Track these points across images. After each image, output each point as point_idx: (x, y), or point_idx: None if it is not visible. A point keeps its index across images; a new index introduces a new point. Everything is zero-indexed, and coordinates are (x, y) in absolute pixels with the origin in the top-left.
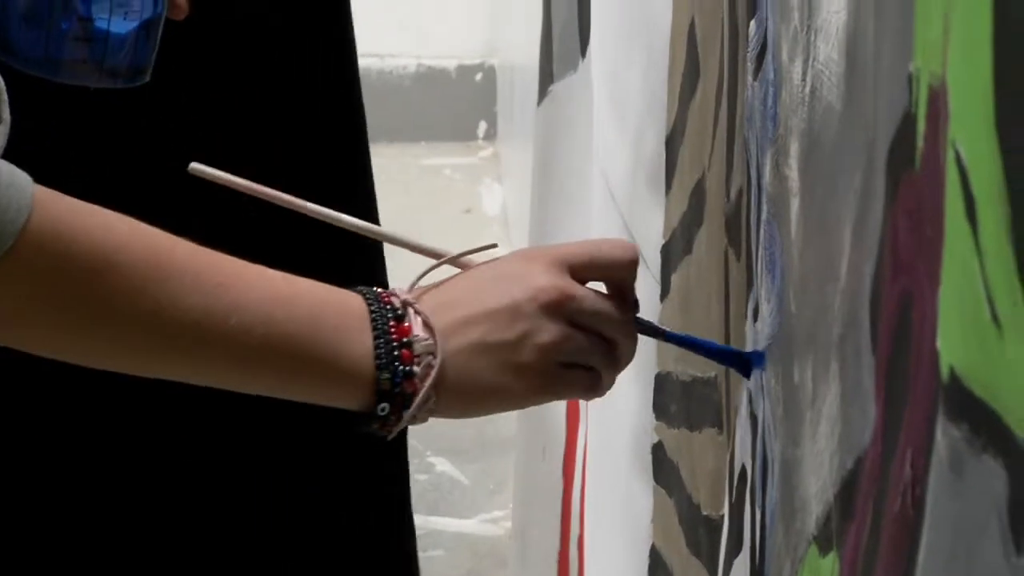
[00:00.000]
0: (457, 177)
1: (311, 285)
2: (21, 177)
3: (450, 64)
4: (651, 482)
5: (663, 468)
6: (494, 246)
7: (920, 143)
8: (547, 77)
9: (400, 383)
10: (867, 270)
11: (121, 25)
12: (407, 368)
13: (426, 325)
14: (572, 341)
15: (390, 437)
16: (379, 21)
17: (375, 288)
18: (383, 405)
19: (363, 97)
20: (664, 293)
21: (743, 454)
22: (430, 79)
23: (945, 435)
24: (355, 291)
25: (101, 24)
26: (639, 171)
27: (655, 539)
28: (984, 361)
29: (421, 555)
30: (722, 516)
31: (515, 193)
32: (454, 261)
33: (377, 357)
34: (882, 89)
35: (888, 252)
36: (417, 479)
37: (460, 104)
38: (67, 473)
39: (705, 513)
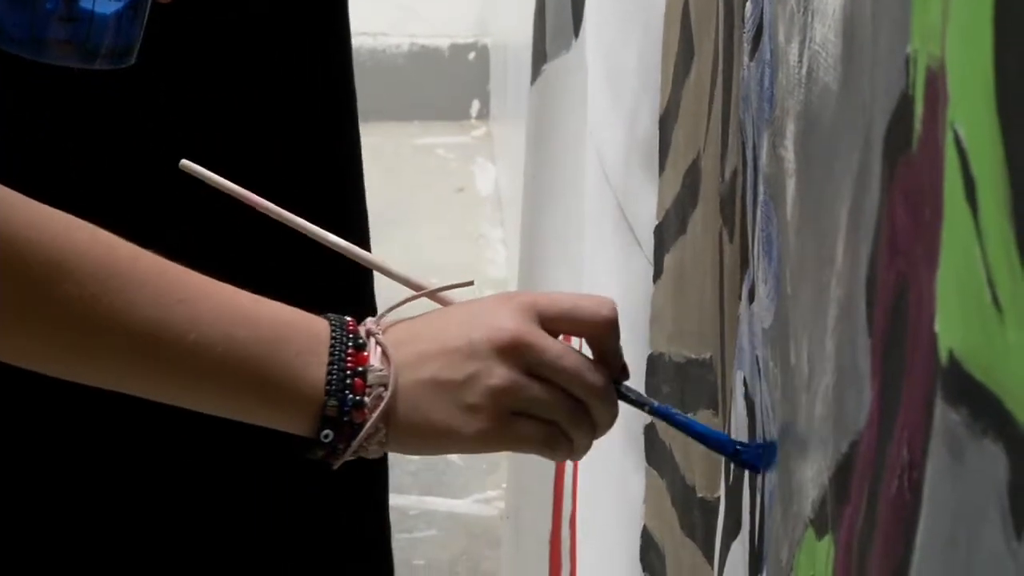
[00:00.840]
0: (450, 156)
1: (277, 307)
2: None
3: (443, 43)
4: (643, 463)
5: (655, 449)
6: (470, 283)
7: (918, 125)
8: (540, 56)
9: (348, 411)
10: (864, 252)
11: (106, 5)
12: (357, 397)
13: (384, 356)
14: (525, 390)
15: (335, 466)
16: (372, 0)
17: (345, 317)
18: (326, 432)
19: (356, 76)
20: (657, 274)
21: (740, 436)
22: (423, 58)
23: (944, 419)
24: (324, 317)
25: (86, 4)
26: (633, 151)
27: (647, 520)
28: (984, 344)
29: (414, 535)
30: (717, 498)
31: (508, 172)
32: (431, 295)
33: (328, 383)
34: (879, 71)
35: (885, 234)
36: (411, 459)
37: (453, 83)
38: (54, 473)
39: (700, 495)
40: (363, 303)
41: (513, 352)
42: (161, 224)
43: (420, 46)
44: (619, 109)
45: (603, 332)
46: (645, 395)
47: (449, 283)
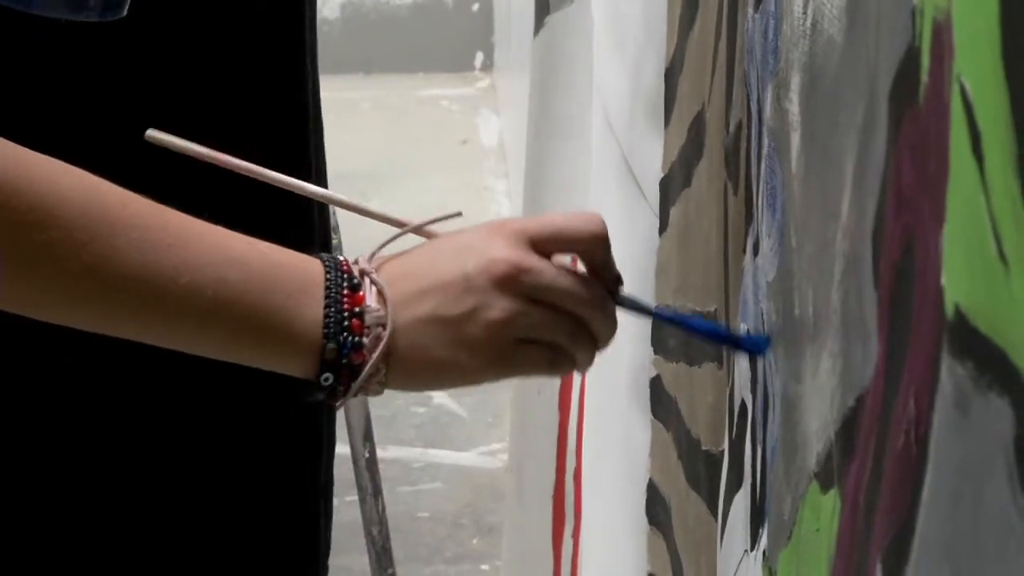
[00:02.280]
0: (454, 108)
1: (271, 249)
2: None
3: None
4: (649, 416)
5: (661, 402)
6: (459, 214)
7: (924, 77)
8: (543, 8)
9: (348, 354)
10: (870, 206)
11: None
12: (356, 339)
13: (380, 295)
14: (526, 317)
15: (338, 407)
16: None
17: (336, 255)
18: (327, 375)
19: (361, 29)
20: (663, 227)
21: (743, 389)
22: (427, 10)
23: (950, 373)
24: (317, 257)
25: None
26: (638, 104)
27: (652, 473)
28: (990, 298)
29: (418, 488)
30: (722, 451)
31: (512, 124)
32: (417, 230)
33: (326, 326)
34: (885, 23)
35: (891, 188)
36: (416, 412)
37: (457, 35)
38: (34, 468)
39: (705, 448)
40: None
41: (510, 281)
42: (149, 173)
43: None
44: (624, 61)
45: (594, 246)
46: (641, 300)
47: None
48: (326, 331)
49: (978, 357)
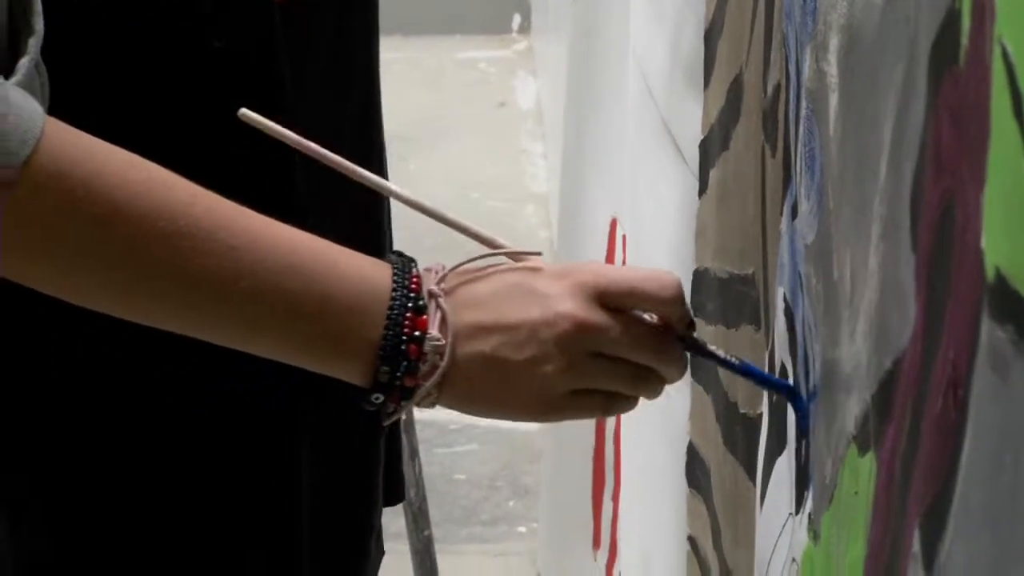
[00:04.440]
0: (491, 71)
1: (340, 256)
2: (32, 108)
3: None
4: (689, 378)
5: (699, 365)
6: (539, 254)
7: (964, 40)
8: None
9: (401, 377)
10: (908, 168)
11: None
12: (411, 364)
13: (443, 323)
14: (583, 373)
15: (386, 424)
16: None
17: (412, 266)
18: (377, 395)
19: None
20: (702, 189)
21: (782, 352)
22: None
23: (990, 336)
24: (388, 263)
25: None
26: (677, 66)
27: (692, 436)
28: None
29: (454, 450)
30: (760, 414)
31: (549, 87)
32: (499, 253)
33: (382, 348)
34: None
35: (930, 150)
36: None
37: None
38: (42, 467)
39: (743, 411)
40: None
41: (571, 340)
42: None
43: None
44: (663, 23)
45: (668, 308)
46: (711, 347)
47: (492, 204)
48: (382, 353)
49: (1019, 320)
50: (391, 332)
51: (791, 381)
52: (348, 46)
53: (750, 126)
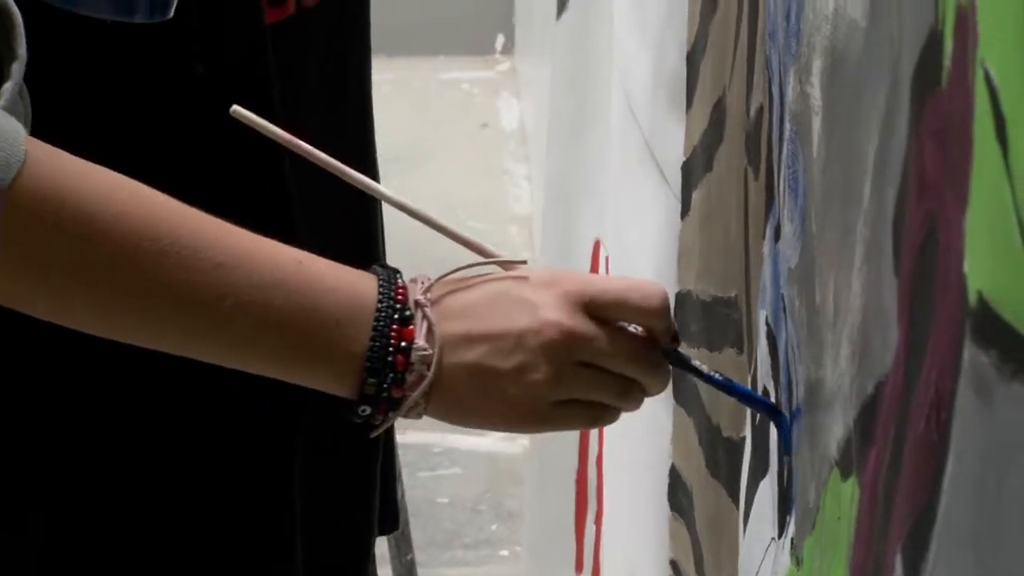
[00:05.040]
0: (475, 91)
1: (321, 270)
2: (15, 131)
3: None
4: (671, 401)
5: (683, 387)
6: (524, 263)
7: (947, 62)
8: None
9: (388, 388)
10: (891, 191)
11: None
12: (398, 375)
13: (430, 333)
14: (570, 382)
15: (373, 435)
16: None
17: (397, 277)
18: (364, 407)
19: (381, 10)
20: (684, 211)
21: (764, 375)
22: None
23: (973, 360)
24: (374, 274)
25: None
26: (660, 87)
27: (675, 459)
28: (1014, 285)
29: (437, 473)
30: (742, 438)
31: (533, 108)
32: (485, 263)
33: (368, 360)
34: (907, 7)
35: (913, 173)
36: None
37: (478, 17)
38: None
39: (726, 434)
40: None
41: (558, 348)
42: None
43: None
44: (645, 44)
45: (654, 319)
46: (695, 362)
47: (475, 226)
48: (368, 364)
49: (1002, 345)
50: (377, 343)
51: (772, 393)
52: (340, 66)
53: (733, 148)
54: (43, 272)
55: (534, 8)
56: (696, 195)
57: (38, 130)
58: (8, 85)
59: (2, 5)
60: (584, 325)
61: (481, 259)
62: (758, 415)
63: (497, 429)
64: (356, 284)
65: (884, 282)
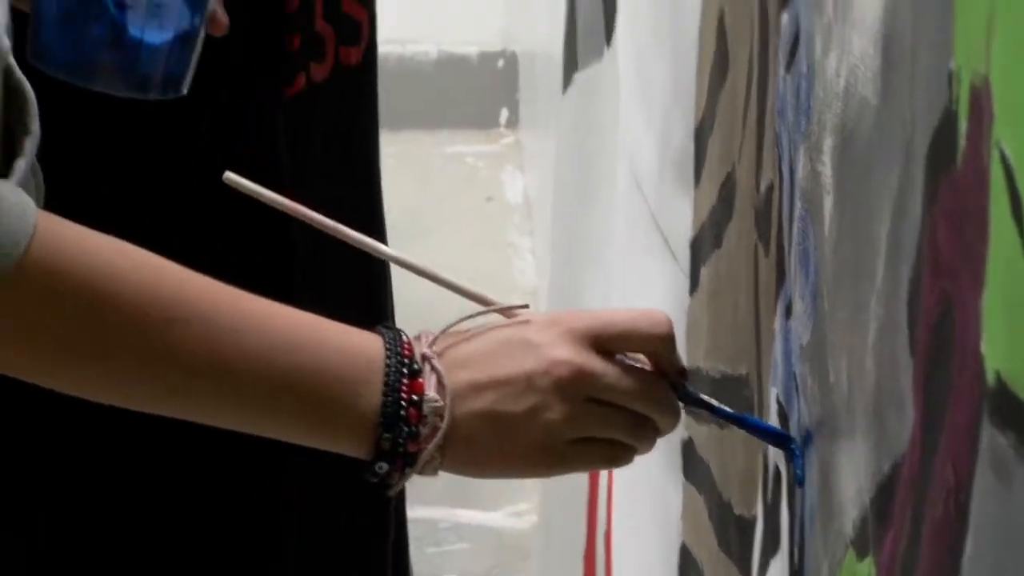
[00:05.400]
0: (479, 165)
1: (330, 331)
2: (24, 205)
3: (471, 51)
4: (681, 478)
5: (693, 465)
6: (526, 306)
7: (962, 142)
8: (572, 65)
9: (403, 443)
10: (905, 271)
11: (155, 35)
12: (412, 429)
13: (440, 384)
14: (585, 419)
15: (391, 493)
16: (399, 7)
17: (400, 333)
18: (381, 464)
19: (384, 84)
20: (693, 287)
21: (777, 454)
22: (451, 66)
23: (991, 441)
24: (378, 333)
25: (135, 32)
26: (667, 163)
27: (685, 536)
28: None
29: (444, 549)
30: (754, 515)
31: (537, 182)
32: (487, 311)
33: (383, 415)
34: (920, 86)
35: (927, 253)
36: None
37: (482, 91)
38: (47, 477)
39: (737, 512)
40: (379, 312)
41: (571, 385)
42: (195, 244)
43: (448, 54)
44: (652, 120)
45: (660, 347)
46: (703, 396)
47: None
48: (382, 420)
49: (1021, 426)
50: (390, 398)
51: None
52: (347, 138)
53: (743, 224)
54: (49, 342)
55: (537, 82)
56: (704, 271)
57: (48, 199)
58: (21, 161)
59: (16, 82)
60: (593, 360)
61: (481, 308)
62: (769, 495)
63: (515, 475)
64: (362, 342)
65: (899, 361)
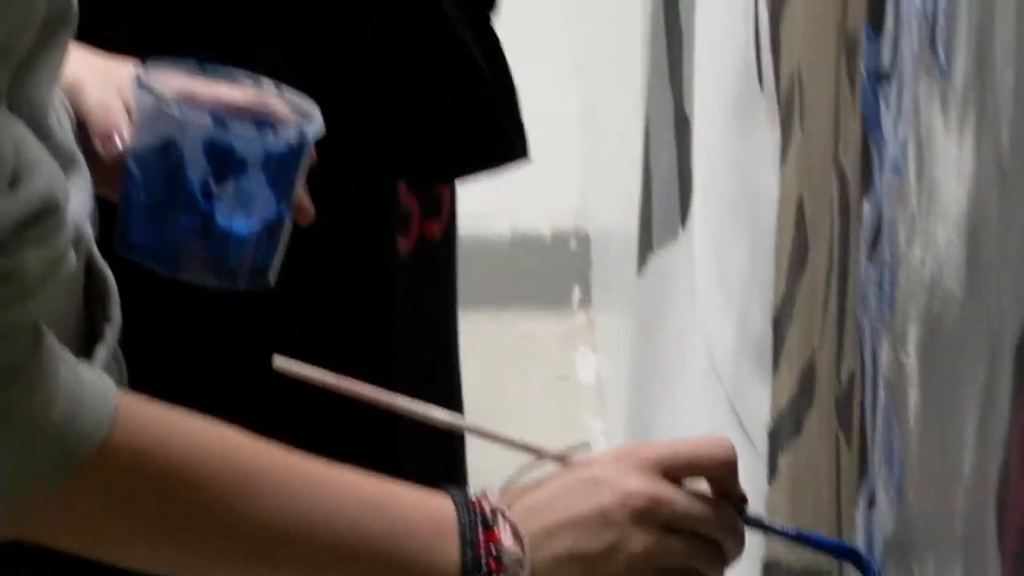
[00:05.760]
0: (552, 344)
1: (401, 490)
2: (106, 388)
3: (544, 230)
4: None
5: None
6: (587, 444)
7: None
8: (646, 245)
9: None
10: (992, 468)
11: (243, 225)
12: None
13: (515, 534)
14: (665, 549)
15: None
16: (473, 184)
17: (467, 492)
18: None
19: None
20: (771, 475)
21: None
22: (524, 245)
23: None
24: (447, 493)
25: (223, 222)
26: (744, 348)
27: None
28: None
29: None
30: None
31: (610, 362)
32: (553, 459)
33: (464, 569)
34: (1006, 279)
35: (1016, 448)
36: None
37: (554, 270)
38: None
39: None
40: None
41: (648, 515)
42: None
43: (521, 233)
44: (729, 304)
45: (725, 472)
46: (765, 518)
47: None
48: (465, 573)
49: None
50: (470, 552)
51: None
52: (429, 310)
53: (823, 413)
54: (135, 522)
55: (610, 261)
56: (783, 459)
57: (134, 380)
58: (101, 347)
59: (98, 270)
60: (666, 488)
61: (540, 458)
62: None
63: None
64: (434, 501)
65: (988, 561)
